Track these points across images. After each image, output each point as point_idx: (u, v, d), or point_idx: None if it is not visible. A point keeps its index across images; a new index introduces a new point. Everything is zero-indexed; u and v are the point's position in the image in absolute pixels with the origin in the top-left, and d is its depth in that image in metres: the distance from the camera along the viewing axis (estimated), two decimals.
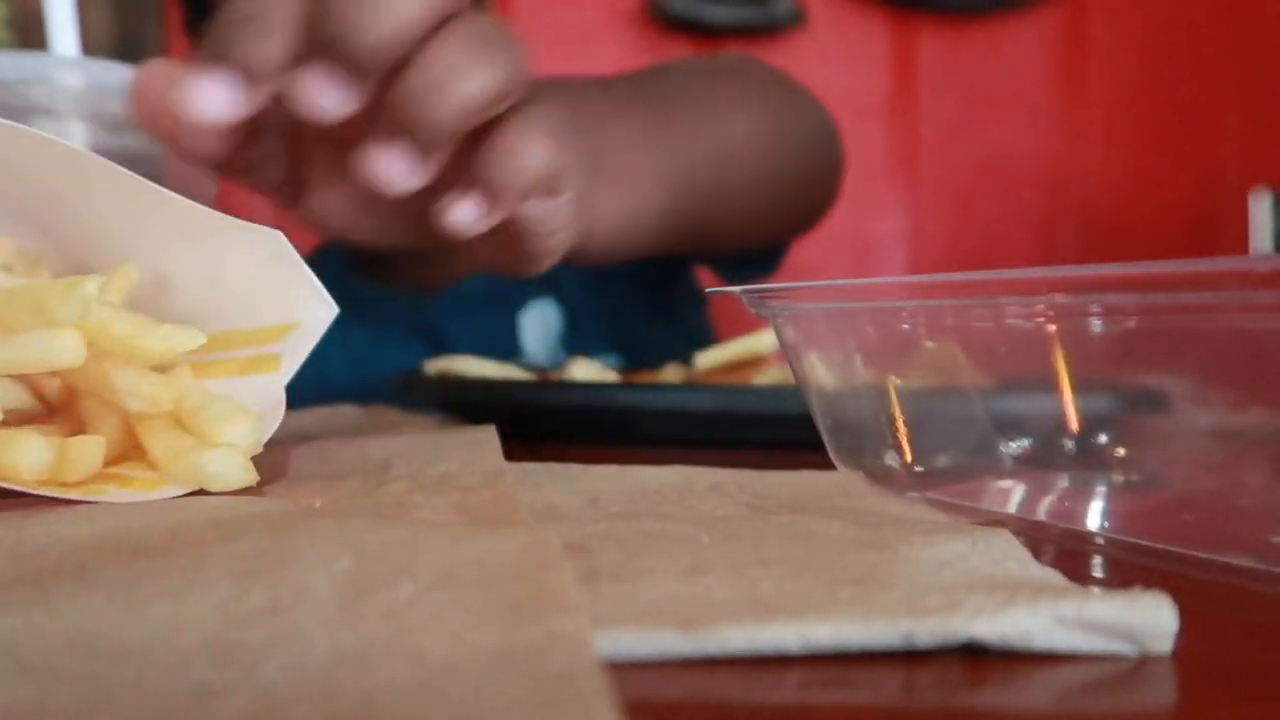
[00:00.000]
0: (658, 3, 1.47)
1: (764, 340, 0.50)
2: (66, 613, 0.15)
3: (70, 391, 0.27)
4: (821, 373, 0.28)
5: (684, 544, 0.19)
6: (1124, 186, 1.80)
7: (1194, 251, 1.70)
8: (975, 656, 0.15)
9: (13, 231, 0.32)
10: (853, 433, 0.28)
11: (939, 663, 0.15)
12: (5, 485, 0.22)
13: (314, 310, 0.30)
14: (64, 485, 0.23)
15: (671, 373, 0.53)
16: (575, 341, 0.80)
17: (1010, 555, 0.19)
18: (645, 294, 0.82)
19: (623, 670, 0.14)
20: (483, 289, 0.84)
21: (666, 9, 1.47)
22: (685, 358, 0.53)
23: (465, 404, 0.51)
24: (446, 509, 0.22)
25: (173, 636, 0.14)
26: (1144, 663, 0.15)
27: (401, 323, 0.85)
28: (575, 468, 0.29)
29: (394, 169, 0.28)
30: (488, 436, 0.31)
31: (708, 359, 0.50)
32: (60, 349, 0.23)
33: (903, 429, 0.26)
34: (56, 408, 0.28)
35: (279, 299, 0.30)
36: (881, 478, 0.27)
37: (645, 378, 0.53)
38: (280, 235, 0.29)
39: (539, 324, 0.83)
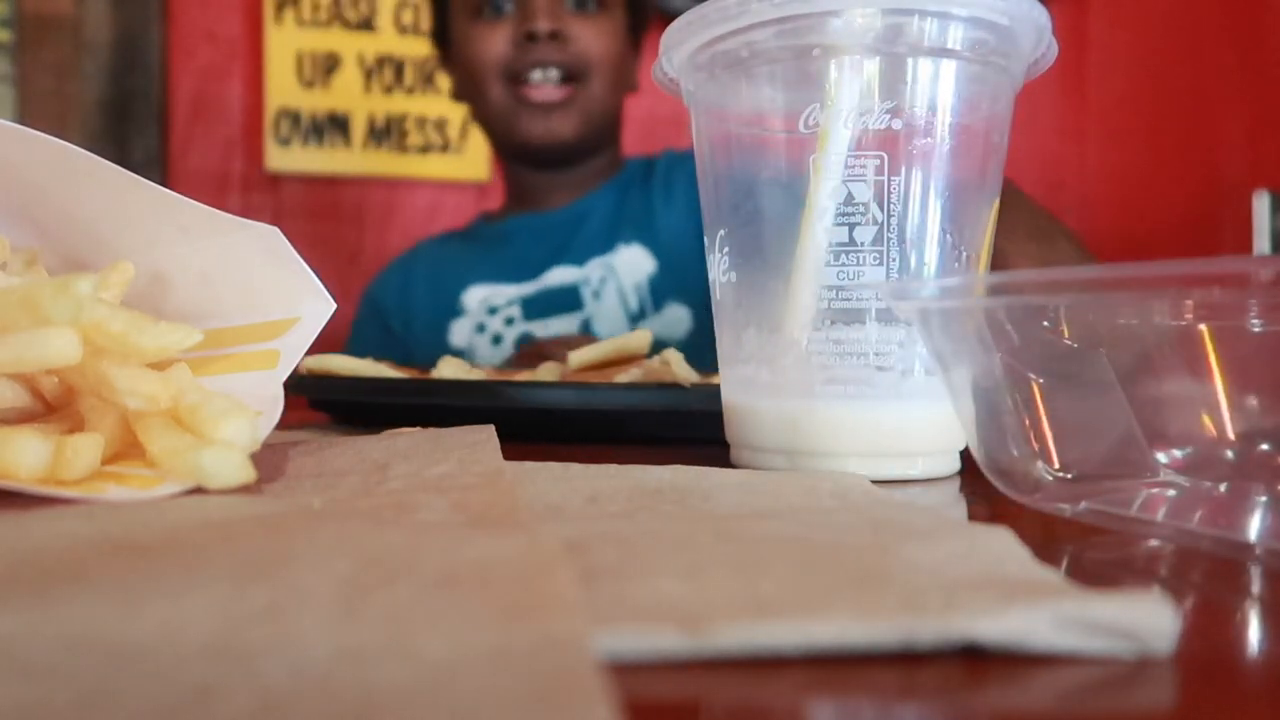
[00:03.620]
0: (657, 2, 1.47)
1: (636, 339, 0.51)
2: (66, 613, 0.15)
3: (69, 390, 0.27)
4: (965, 377, 0.26)
5: (684, 544, 0.19)
6: (1124, 186, 1.80)
7: (1194, 253, 1.71)
8: (975, 656, 0.15)
9: (10, 231, 0.32)
10: (1000, 441, 0.26)
11: (939, 663, 0.15)
12: (4, 485, 0.22)
13: (312, 306, 0.30)
14: (62, 483, 0.23)
15: (547, 370, 0.54)
16: (665, 286, 0.97)
17: (1010, 555, 0.19)
18: None
19: (623, 670, 0.14)
20: (557, 233, 1.03)
21: (666, 8, 1.47)
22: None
23: (333, 403, 0.51)
24: (446, 509, 0.22)
25: (173, 637, 0.14)
26: (1144, 663, 0.15)
27: (494, 255, 1.06)
28: (575, 467, 0.29)
29: None
30: (487, 437, 0.31)
31: (580, 357, 0.51)
32: (57, 348, 0.23)
33: (1050, 436, 0.25)
34: (55, 406, 0.28)
35: (276, 295, 0.30)
36: (1029, 489, 0.26)
37: (522, 376, 0.54)
38: (277, 232, 0.29)
39: (629, 267, 0.99)
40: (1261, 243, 1.67)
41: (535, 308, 1.03)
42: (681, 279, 0.99)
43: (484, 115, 1.03)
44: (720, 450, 0.36)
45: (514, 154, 1.05)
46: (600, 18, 0.98)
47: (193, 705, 0.12)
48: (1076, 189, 1.79)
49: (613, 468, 0.29)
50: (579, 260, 1.03)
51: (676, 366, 0.48)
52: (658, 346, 0.94)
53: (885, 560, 0.18)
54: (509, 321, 1.04)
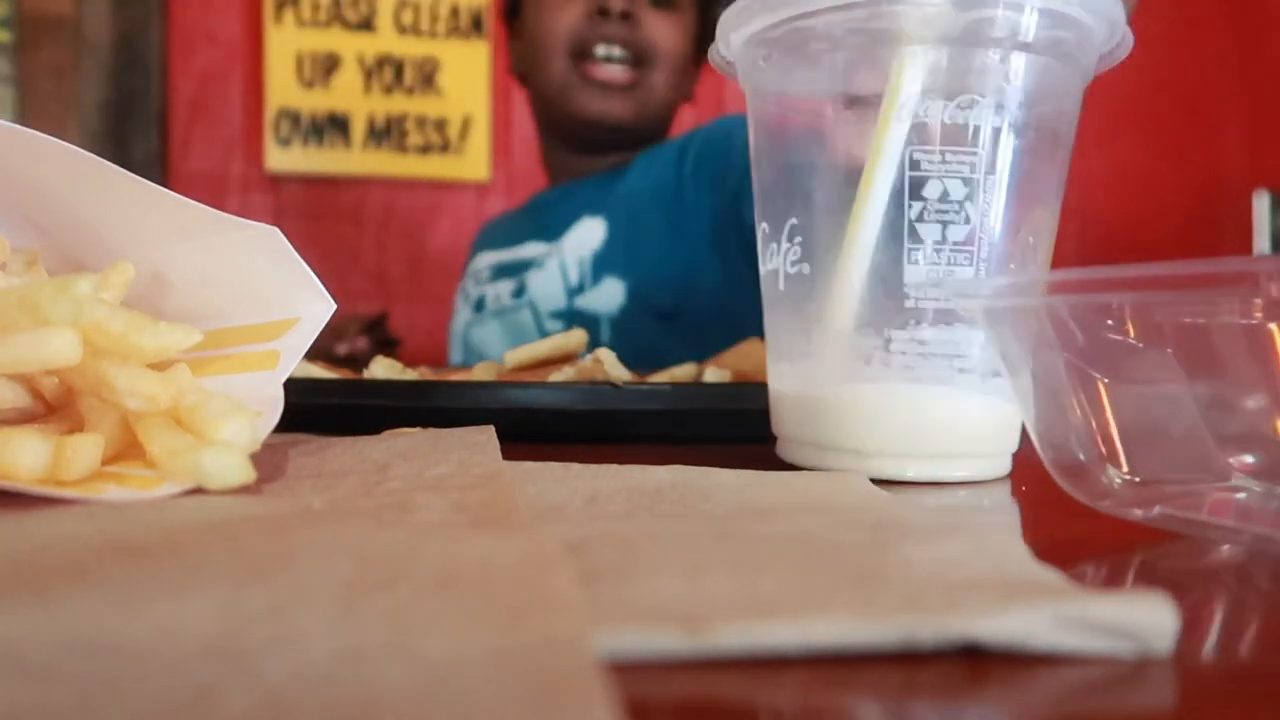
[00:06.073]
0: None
1: (573, 338, 0.51)
2: (66, 613, 0.15)
3: (69, 390, 0.27)
4: (1030, 378, 0.26)
5: (684, 544, 0.19)
6: (1124, 186, 1.80)
7: (1194, 253, 1.71)
8: (975, 656, 0.15)
9: (10, 231, 0.32)
10: (1066, 444, 0.25)
11: (939, 663, 0.15)
12: (4, 485, 0.22)
13: (312, 306, 0.30)
14: (62, 484, 0.23)
15: (483, 370, 0.54)
16: (609, 259, 0.99)
17: (1011, 555, 0.19)
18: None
19: (623, 670, 0.14)
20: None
21: None
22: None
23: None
24: (446, 509, 0.22)
25: (173, 637, 0.14)
26: (1144, 663, 0.15)
27: (505, 228, 1.11)
28: (575, 467, 0.29)
29: None
30: (487, 438, 0.31)
31: (516, 356, 0.51)
32: (57, 348, 0.23)
33: (1118, 439, 0.24)
34: (55, 407, 0.28)
35: (276, 296, 0.30)
36: (1099, 494, 0.25)
37: (459, 376, 0.54)
38: (277, 232, 0.29)
39: (582, 238, 1.02)
40: (1261, 243, 1.67)
41: (503, 273, 1.07)
42: (629, 251, 1.00)
43: (541, 89, 1.05)
44: (721, 449, 0.36)
45: (561, 133, 1.07)
46: (672, 14, 1.01)
47: (193, 705, 0.12)
48: (1076, 189, 1.79)
49: (613, 468, 0.29)
50: (550, 237, 1.05)
51: (609, 366, 0.48)
52: (591, 319, 0.98)
53: (886, 560, 0.18)
54: (478, 281, 1.10)
